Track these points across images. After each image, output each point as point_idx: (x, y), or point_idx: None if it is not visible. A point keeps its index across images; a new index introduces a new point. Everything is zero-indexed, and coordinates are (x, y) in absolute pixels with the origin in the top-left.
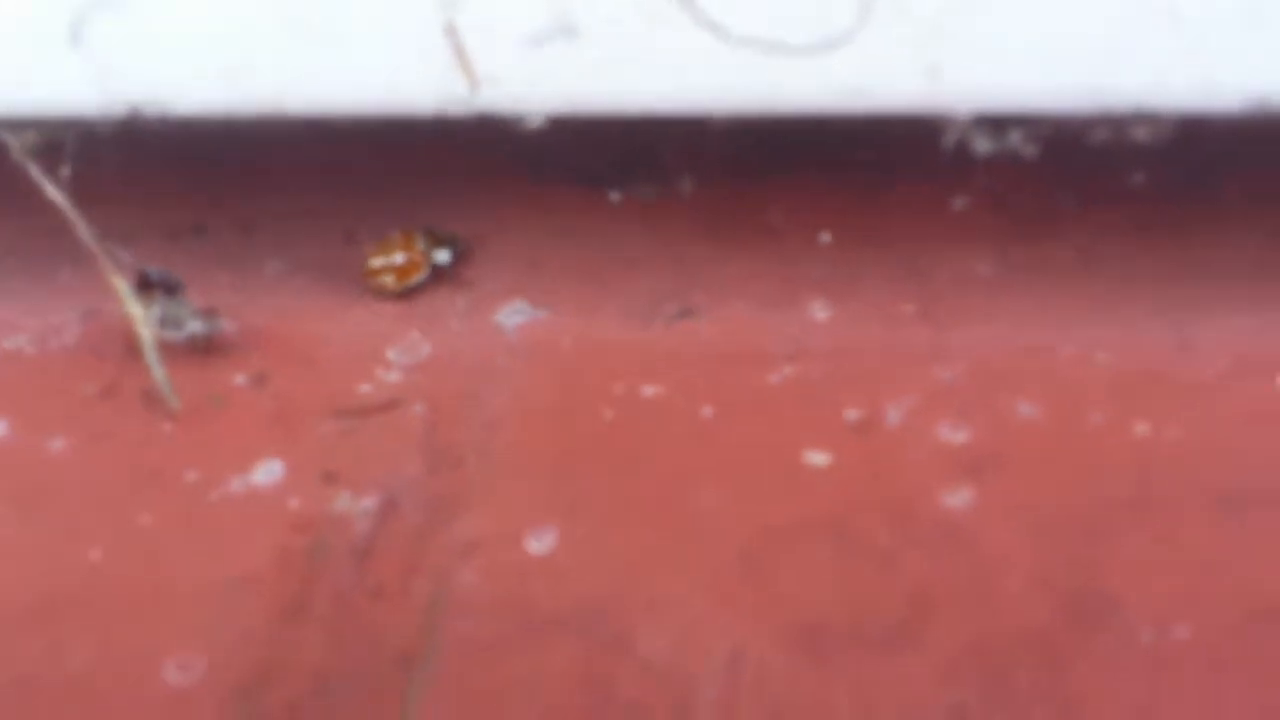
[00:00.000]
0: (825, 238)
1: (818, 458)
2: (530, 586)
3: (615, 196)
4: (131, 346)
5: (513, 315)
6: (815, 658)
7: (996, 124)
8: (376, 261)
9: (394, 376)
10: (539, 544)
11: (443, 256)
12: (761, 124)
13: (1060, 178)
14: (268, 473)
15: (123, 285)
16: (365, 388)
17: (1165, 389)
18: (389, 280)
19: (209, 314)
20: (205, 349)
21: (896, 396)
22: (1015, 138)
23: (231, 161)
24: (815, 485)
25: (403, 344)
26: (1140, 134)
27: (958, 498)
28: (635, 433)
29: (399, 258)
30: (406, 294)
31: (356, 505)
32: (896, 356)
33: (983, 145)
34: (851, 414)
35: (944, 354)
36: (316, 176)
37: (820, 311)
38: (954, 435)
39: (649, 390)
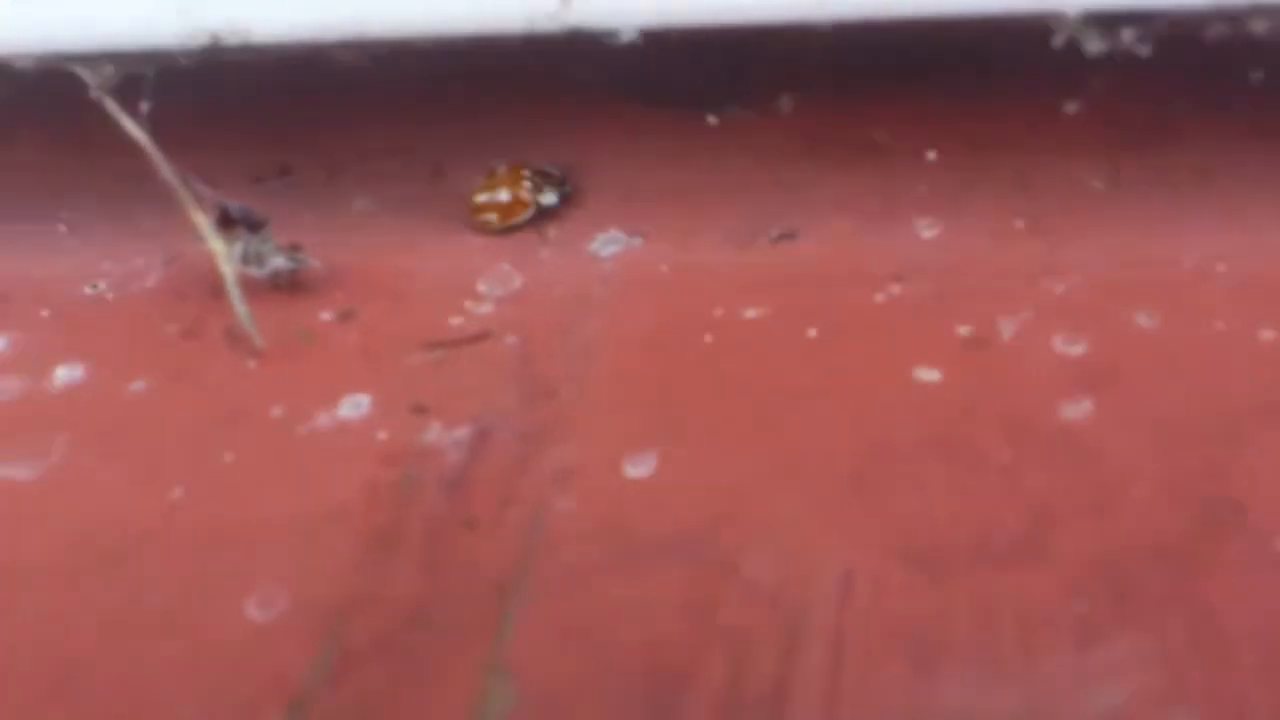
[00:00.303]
0: (930, 153)
1: (929, 374)
2: (629, 512)
3: (712, 119)
4: (216, 288)
5: (607, 244)
6: (932, 576)
7: (1108, 21)
8: (481, 197)
9: (485, 309)
10: (638, 469)
11: (550, 199)
12: (861, 35)
13: (1175, 80)
14: (355, 406)
15: (203, 221)
16: (455, 320)
17: None
18: (492, 218)
19: (293, 249)
20: (290, 286)
21: (1009, 311)
22: (1127, 36)
23: (315, 98)
24: (928, 402)
25: (493, 276)
26: (1259, 28)
27: (1078, 410)
28: (737, 355)
29: (504, 195)
30: (508, 232)
31: (448, 436)
32: (1007, 272)
33: (1094, 46)
34: (963, 330)
35: (1056, 268)
36: (403, 109)
37: (926, 229)
38: (1071, 348)
39: (750, 313)
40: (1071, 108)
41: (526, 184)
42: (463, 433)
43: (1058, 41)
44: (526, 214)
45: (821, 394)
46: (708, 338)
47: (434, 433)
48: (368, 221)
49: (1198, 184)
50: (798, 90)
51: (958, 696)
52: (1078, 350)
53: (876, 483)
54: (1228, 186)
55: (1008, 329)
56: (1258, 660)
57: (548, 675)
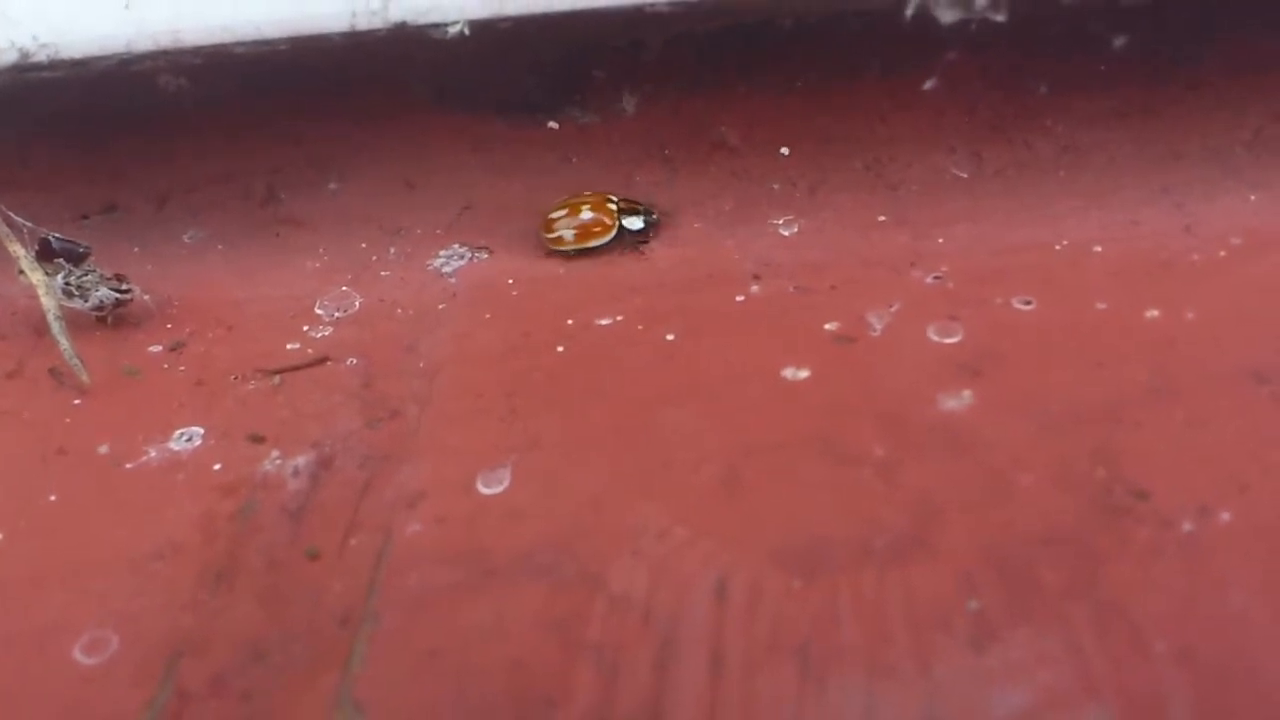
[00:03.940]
0: (783, 149)
1: (798, 373)
2: (484, 531)
3: (553, 124)
4: (39, 328)
5: (450, 260)
6: (814, 577)
7: None
8: (557, 215)
9: (323, 332)
10: (491, 486)
11: (634, 223)
12: (704, 26)
13: (1035, 54)
14: (187, 439)
15: (22, 252)
16: (292, 345)
17: (1174, 272)
18: (568, 235)
19: (118, 280)
20: (117, 320)
21: (877, 305)
22: (981, 2)
23: (141, 128)
24: (798, 401)
25: (332, 298)
26: None
27: (958, 400)
28: (592, 364)
29: (586, 215)
30: (585, 254)
31: (288, 464)
32: (872, 265)
33: (947, 15)
34: (830, 326)
35: (924, 259)
36: (230, 135)
37: (784, 227)
38: (946, 338)
39: (604, 320)
40: (929, 85)
41: (611, 207)
42: (303, 460)
43: (909, 12)
44: (607, 237)
45: (684, 398)
46: (560, 348)
47: (273, 461)
48: (199, 252)
49: (1066, 166)
50: (640, 90)
51: (851, 707)
52: (953, 340)
53: (747, 486)
54: (1097, 167)
55: (878, 323)
56: (1172, 649)
57: (402, 707)
